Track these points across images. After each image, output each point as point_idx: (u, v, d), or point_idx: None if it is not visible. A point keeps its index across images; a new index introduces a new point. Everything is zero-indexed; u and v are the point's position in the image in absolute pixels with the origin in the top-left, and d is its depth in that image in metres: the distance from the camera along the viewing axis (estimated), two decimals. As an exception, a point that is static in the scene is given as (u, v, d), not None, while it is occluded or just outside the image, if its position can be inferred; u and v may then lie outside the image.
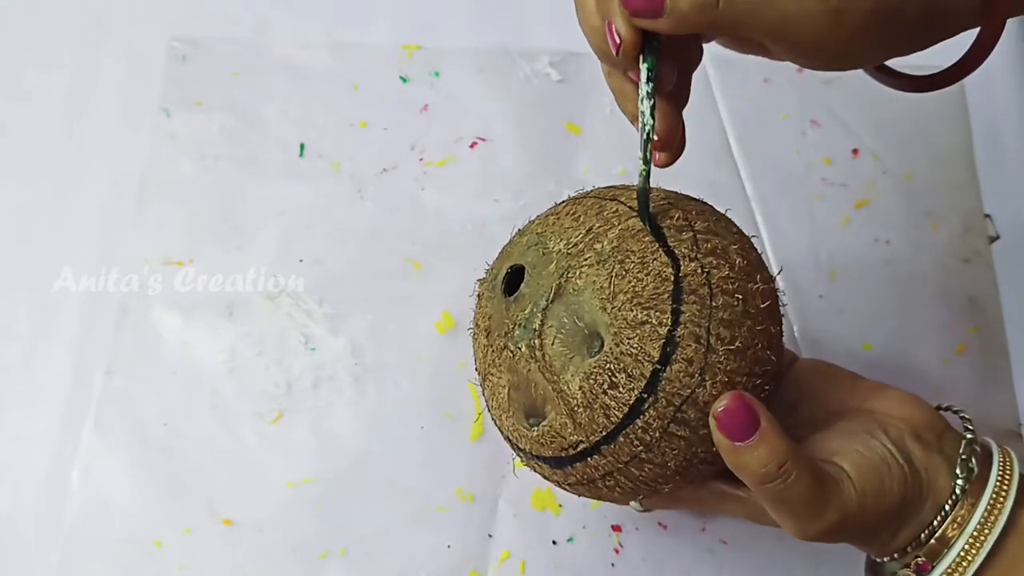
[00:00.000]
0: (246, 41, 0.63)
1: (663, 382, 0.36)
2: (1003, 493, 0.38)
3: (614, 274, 0.37)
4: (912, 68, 0.41)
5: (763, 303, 0.38)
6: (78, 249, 0.58)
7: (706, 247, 0.38)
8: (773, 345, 0.39)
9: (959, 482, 0.38)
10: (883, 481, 0.38)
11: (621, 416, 0.36)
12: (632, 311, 0.36)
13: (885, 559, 0.40)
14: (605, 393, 0.37)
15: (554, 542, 0.52)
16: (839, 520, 0.37)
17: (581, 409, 0.37)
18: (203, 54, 0.63)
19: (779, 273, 0.54)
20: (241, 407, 0.54)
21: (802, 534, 0.38)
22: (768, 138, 0.61)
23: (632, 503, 0.44)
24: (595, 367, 0.37)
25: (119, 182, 0.60)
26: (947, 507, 0.38)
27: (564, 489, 0.41)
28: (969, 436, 0.40)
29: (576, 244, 0.39)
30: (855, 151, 0.61)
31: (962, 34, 0.38)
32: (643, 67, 0.37)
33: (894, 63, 0.40)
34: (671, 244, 0.38)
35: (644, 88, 0.37)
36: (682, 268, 0.37)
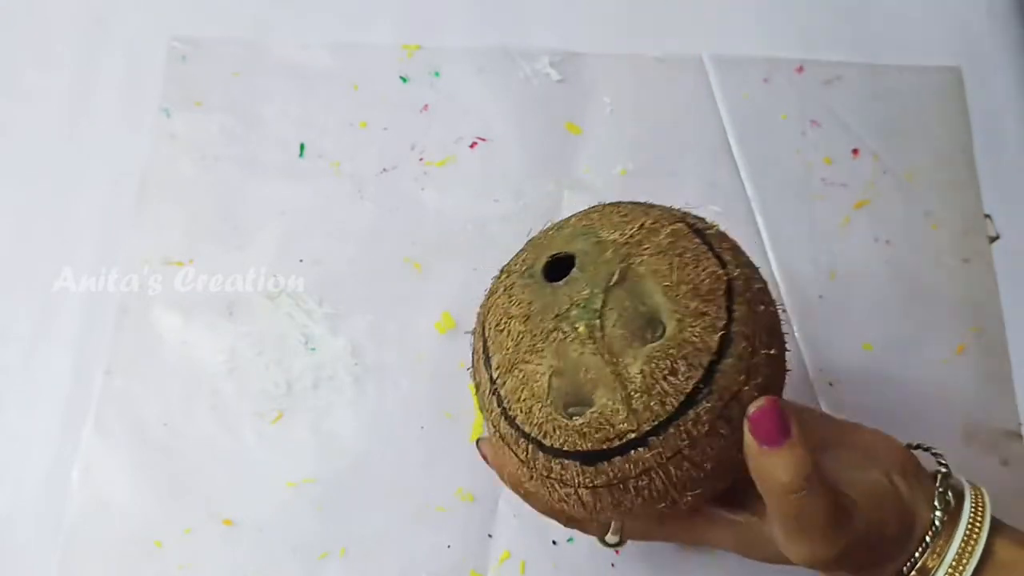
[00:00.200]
0: (246, 41, 0.63)
1: (717, 375, 0.36)
2: (977, 524, 0.39)
3: (675, 265, 0.38)
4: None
5: (778, 323, 0.40)
6: (78, 249, 0.58)
7: (741, 260, 0.40)
8: (785, 364, 0.40)
9: (938, 514, 0.39)
10: (884, 512, 0.38)
11: (676, 405, 0.36)
12: (694, 301, 0.37)
13: None
14: (665, 379, 0.36)
15: (554, 542, 0.52)
16: (846, 547, 0.37)
17: (638, 394, 0.36)
18: (203, 54, 0.63)
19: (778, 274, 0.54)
20: (241, 407, 0.54)
21: (810, 557, 0.37)
22: (768, 138, 0.61)
23: (608, 535, 0.44)
24: (657, 351, 0.36)
25: (119, 182, 0.60)
26: (928, 538, 0.39)
27: (577, 496, 0.39)
28: (943, 471, 0.41)
29: (633, 235, 0.39)
30: (855, 151, 0.61)
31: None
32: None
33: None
34: (717, 250, 0.39)
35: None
36: (729, 272, 0.38)
